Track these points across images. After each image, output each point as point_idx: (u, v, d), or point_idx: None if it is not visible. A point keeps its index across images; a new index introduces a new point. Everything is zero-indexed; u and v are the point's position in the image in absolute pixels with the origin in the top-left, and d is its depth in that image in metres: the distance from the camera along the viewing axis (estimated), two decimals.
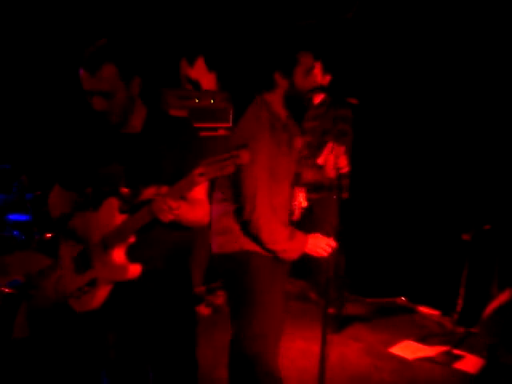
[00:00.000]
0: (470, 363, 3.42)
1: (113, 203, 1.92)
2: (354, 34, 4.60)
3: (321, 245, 2.32)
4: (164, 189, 1.78)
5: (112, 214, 1.91)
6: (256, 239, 2.27)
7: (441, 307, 4.22)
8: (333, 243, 2.33)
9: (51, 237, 3.94)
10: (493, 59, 4.06)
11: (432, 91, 4.40)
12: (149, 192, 1.86)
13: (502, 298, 3.33)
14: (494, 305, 3.38)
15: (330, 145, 2.53)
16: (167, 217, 1.76)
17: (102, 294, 1.95)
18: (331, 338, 3.60)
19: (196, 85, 5.24)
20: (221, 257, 2.41)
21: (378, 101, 4.57)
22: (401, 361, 3.49)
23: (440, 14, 4.25)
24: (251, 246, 2.31)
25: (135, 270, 1.88)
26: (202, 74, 5.30)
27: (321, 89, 3.63)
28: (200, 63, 5.30)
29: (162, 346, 2.06)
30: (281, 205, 2.36)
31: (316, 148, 3.86)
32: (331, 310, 3.88)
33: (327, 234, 3.55)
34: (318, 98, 3.94)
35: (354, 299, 4.55)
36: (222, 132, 4.72)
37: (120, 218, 1.90)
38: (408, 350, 3.63)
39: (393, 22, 4.52)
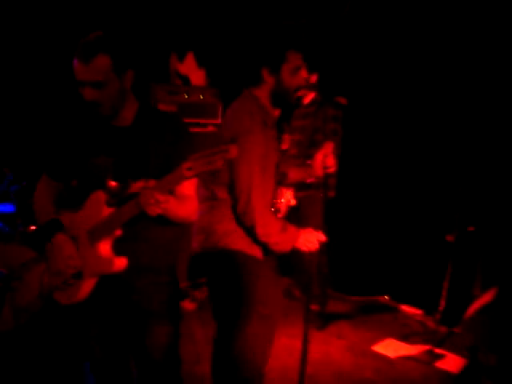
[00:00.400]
0: (451, 362, 3.46)
1: (100, 196, 1.91)
2: (343, 33, 4.62)
3: (311, 239, 2.33)
4: (152, 182, 1.77)
5: (99, 207, 1.90)
6: (250, 232, 2.26)
7: (423, 306, 4.27)
8: (322, 238, 2.34)
9: (35, 229, 3.91)
10: (482, 54, 4.06)
11: (419, 91, 4.43)
12: (137, 186, 1.84)
13: (484, 299, 3.37)
14: (476, 305, 3.42)
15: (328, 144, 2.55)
16: (154, 210, 1.75)
17: (87, 286, 1.93)
18: (314, 335, 3.64)
19: (185, 80, 5.23)
20: (203, 255, 2.40)
21: (367, 100, 4.60)
22: (383, 359, 3.52)
23: (432, 11, 4.27)
24: (235, 245, 2.31)
25: (121, 263, 1.87)
26: (191, 70, 5.28)
27: (309, 87, 3.64)
28: (190, 59, 5.28)
29: (146, 341, 2.05)
30: (269, 200, 2.36)
31: (307, 147, 3.88)
32: (314, 307, 3.91)
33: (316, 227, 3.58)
34: (308, 97, 3.96)
35: (337, 297, 4.58)
36: (210, 128, 4.71)
37: (107, 212, 1.89)
38: (390, 348, 3.66)
39: (383, 21, 4.54)
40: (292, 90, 2.36)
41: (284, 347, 3.56)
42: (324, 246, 2.43)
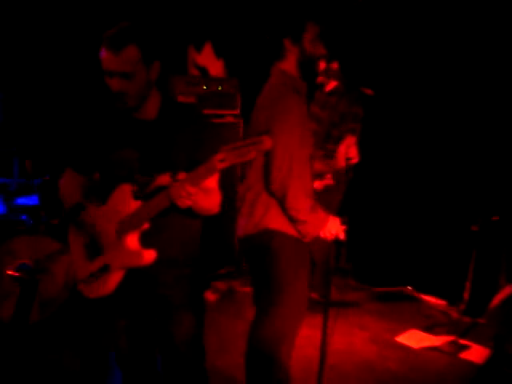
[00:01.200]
0: (475, 353, 3.42)
1: (126, 189, 1.91)
2: (367, 21, 4.55)
3: (335, 229, 2.31)
4: (182, 174, 1.76)
5: (126, 201, 1.90)
6: (282, 202, 2.25)
7: (447, 297, 4.22)
8: (343, 234, 2.32)
9: (59, 221, 3.96)
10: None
11: (442, 84, 4.36)
12: (163, 179, 1.85)
13: (509, 289, 3.32)
14: (501, 296, 3.37)
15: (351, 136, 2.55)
16: (185, 203, 1.76)
17: (114, 280, 1.94)
18: (337, 326, 3.63)
19: (204, 71, 5.22)
20: (246, 239, 2.42)
21: (389, 92, 4.53)
22: (406, 350, 3.49)
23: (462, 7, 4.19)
24: (273, 225, 2.30)
25: (149, 255, 1.87)
26: (209, 61, 5.27)
27: (330, 75, 3.61)
28: (208, 49, 5.27)
29: (170, 333, 2.07)
30: (307, 175, 2.35)
31: (323, 140, 3.83)
32: (314, 295, 3.92)
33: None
34: (330, 85, 3.88)
35: (360, 288, 4.56)
36: (229, 119, 4.70)
37: (134, 205, 1.88)
38: (414, 339, 3.63)
39: (406, 11, 4.47)
40: (316, 58, 2.37)
41: (306, 337, 3.55)
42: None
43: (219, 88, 4.67)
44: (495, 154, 4.11)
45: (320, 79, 3.79)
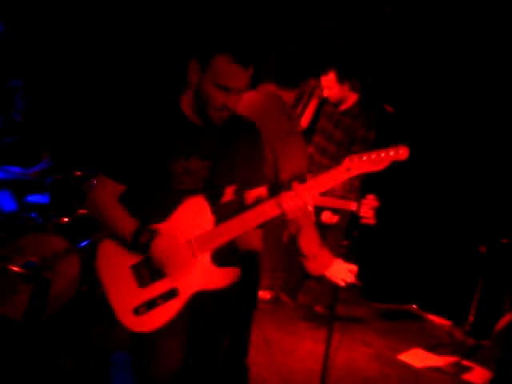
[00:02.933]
0: (478, 375, 3.39)
1: (201, 202, 1.73)
2: (382, 38, 4.55)
3: (342, 272, 2.21)
4: (297, 184, 1.69)
5: (202, 215, 1.72)
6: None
7: (452, 317, 4.19)
8: (354, 268, 2.24)
9: (68, 221, 3.98)
10: None
11: (451, 101, 4.35)
12: (254, 193, 1.82)
13: None
14: (506, 318, 3.35)
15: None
16: (296, 213, 1.70)
17: (177, 306, 1.71)
18: (340, 340, 3.62)
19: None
20: None
21: (399, 107, 4.52)
22: (409, 368, 3.46)
23: (478, 14, 4.17)
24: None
25: (231, 275, 1.75)
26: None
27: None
28: None
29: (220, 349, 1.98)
30: None
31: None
32: (319, 309, 3.91)
33: (336, 239, 3.57)
34: (346, 104, 3.74)
35: (366, 304, 4.53)
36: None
37: (212, 219, 1.73)
38: (417, 358, 3.60)
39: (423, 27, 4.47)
40: None
41: (308, 351, 3.54)
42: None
43: None
44: (506, 175, 4.09)
45: (336, 99, 3.75)
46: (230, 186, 1.77)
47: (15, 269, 3.34)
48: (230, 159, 1.80)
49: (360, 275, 4.54)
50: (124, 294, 1.71)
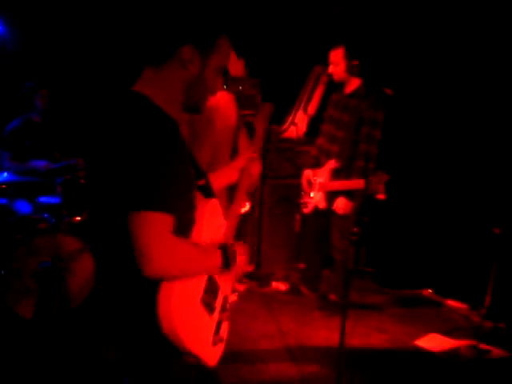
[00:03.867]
0: (496, 357, 3.37)
1: (215, 203, 1.64)
2: (385, 20, 4.51)
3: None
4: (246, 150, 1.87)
5: (218, 214, 1.66)
6: None
7: (468, 301, 4.16)
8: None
9: (80, 220, 4.02)
10: None
11: (467, 86, 4.30)
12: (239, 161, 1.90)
13: None
14: None
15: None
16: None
17: (226, 316, 1.62)
18: (356, 328, 3.62)
19: (224, 71, 5.22)
20: None
21: (410, 93, 4.48)
22: (425, 353, 3.45)
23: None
24: None
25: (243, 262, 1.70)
26: (230, 60, 5.27)
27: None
28: None
29: None
30: None
31: (349, 146, 3.71)
32: (333, 297, 3.92)
33: (346, 230, 3.57)
34: (351, 85, 3.73)
35: (380, 291, 4.52)
36: (249, 119, 4.70)
37: (222, 216, 1.69)
38: (433, 342, 3.58)
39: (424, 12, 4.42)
40: None
41: (324, 339, 3.54)
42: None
43: (240, 88, 4.67)
44: None
45: (339, 78, 3.74)
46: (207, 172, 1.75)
47: (30, 269, 3.40)
48: (199, 144, 1.86)
49: (373, 261, 4.58)
50: (203, 333, 1.48)
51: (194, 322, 1.41)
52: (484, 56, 4.16)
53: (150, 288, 1.34)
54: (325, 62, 3.87)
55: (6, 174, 3.79)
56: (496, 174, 4.15)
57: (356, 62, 3.70)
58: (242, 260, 1.60)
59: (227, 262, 1.51)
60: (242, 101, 4.66)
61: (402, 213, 4.69)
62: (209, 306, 1.49)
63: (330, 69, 3.73)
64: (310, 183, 3.83)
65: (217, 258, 1.49)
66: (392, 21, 4.54)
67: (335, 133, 3.76)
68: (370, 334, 3.70)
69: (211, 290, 1.50)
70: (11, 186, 3.90)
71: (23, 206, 3.95)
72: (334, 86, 3.94)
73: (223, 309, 1.57)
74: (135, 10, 4.39)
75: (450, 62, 4.35)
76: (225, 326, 1.59)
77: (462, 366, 3.31)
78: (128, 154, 1.31)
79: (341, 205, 3.63)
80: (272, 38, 4.79)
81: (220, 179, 1.88)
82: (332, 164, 3.63)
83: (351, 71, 3.68)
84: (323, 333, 3.63)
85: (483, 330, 3.65)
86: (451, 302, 4.29)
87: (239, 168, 1.90)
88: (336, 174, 3.65)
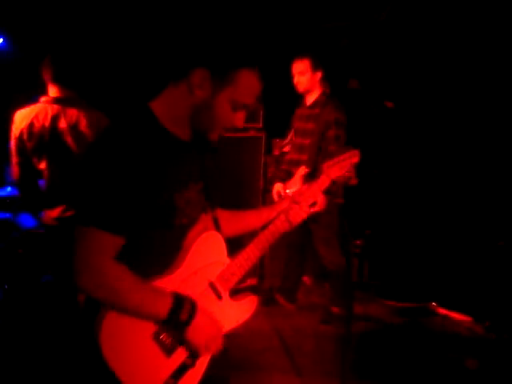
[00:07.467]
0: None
1: (215, 236, 1.55)
2: (382, 36, 4.55)
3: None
4: (297, 195, 1.72)
5: (216, 251, 1.55)
6: None
7: (473, 314, 4.14)
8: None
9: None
10: None
11: (458, 94, 4.34)
12: (282, 205, 1.76)
13: None
14: None
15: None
16: (300, 222, 1.74)
17: (205, 362, 1.51)
18: (358, 340, 3.60)
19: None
20: None
21: (411, 103, 4.51)
22: (429, 364, 3.43)
23: (476, 13, 4.16)
24: None
25: (252, 303, 1.63)
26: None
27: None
28: None
29: None
30: None
31: (316, 153, 3.74)
32: (336, 310, 3.88)
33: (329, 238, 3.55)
34: (311, 97, 3.82)
35: (384, 303, 4.50)
36: (252, 133, 4.72)
37: (226, 253, 1.58)
38: (435, 352, 3.57)
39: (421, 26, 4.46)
40: None
41: (328, 352, 3.52)
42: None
43: None
44: None
45: (304, 89, 3.78)
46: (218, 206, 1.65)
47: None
48: (213, 176, 1.63)
49: (377, 274, 4.56)
50: (151, 373, 1.37)
51: (136, 357, 1.34)
52: (483, 58, 4.19)
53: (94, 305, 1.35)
54: (328, 77, 3.91)
55: (9, 189, 3.81)
56: (501, 187, 4.16)
57: (320, 73, 3.76)
58: (206, 325, 1.41)
59: (176, 316, 1.35)
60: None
61: (406, 225, 4.69)
62: (163, 345, 1.39)
63: (295, 80, 3.78)
64: (280, 196, 3.86)
65: (163, 305, 1.35)
66: (389, 33, 4.57)
67: (303, 142, 3.85)
68: (374, 346, 3.68)
69: (173, 330, 1.39)
70: (15, 201, 3.91)
71: (27, 220, 3.95)
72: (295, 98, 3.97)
73: (192, 355, 1.45)
74: (157, 25, 4.44)
75: (448, 69, 4.38)
76: (193, 375, 1.46)
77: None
78: (94, 169, 1.33)
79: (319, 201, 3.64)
80: (277, 52, 4.83)
81: (253, 216, 1.80)
82: (302, 170, 3.63)
83: (316, 82, 3.75)
84: (326, 345, 3.61)
85: (487, 343, 3.63)
86: (455, 315, 4.27)
87: (279, 210, 1.77)
88: (308, 180, 3.66)
